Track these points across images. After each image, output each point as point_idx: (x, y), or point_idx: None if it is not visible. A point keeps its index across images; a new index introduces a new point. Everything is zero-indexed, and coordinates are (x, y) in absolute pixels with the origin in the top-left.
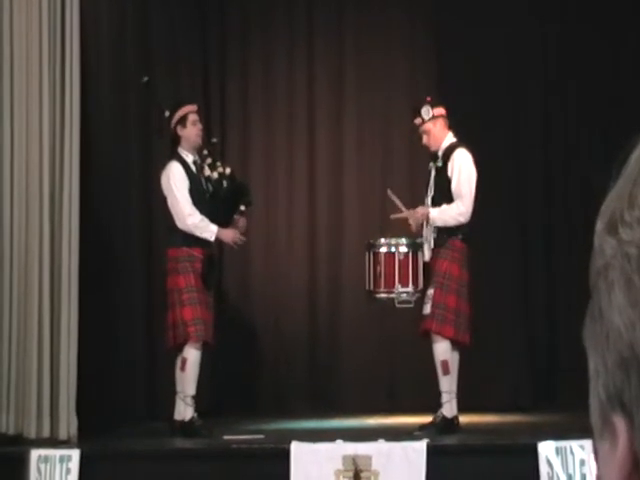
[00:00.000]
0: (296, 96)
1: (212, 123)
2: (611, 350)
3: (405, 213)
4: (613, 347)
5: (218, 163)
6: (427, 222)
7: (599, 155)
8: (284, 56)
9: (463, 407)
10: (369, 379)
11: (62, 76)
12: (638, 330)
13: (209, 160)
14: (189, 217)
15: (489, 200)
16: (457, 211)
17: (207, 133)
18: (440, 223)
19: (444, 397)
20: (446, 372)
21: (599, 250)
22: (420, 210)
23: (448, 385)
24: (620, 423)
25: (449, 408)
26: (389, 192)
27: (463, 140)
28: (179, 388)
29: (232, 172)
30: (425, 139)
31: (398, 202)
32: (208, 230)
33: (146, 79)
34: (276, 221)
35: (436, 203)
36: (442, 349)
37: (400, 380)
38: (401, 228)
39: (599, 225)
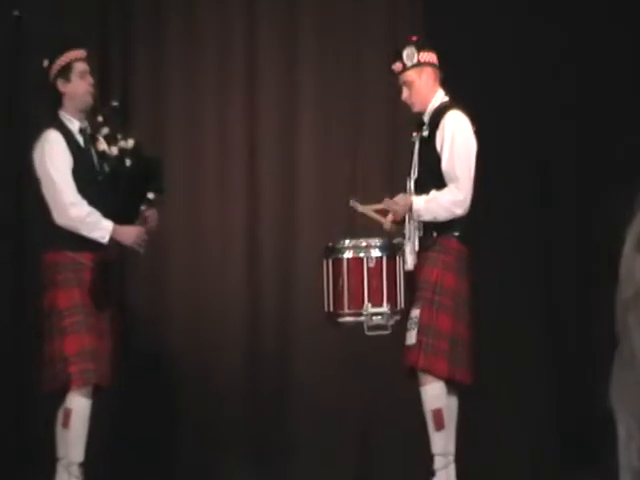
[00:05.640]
0: (231, 42)
1: (112, 76)
2: None
3: (383, 204)
4: None
5: (119, 135)
6: (409, 216)
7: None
8: None
9: (464, 475)
10: (331, 438)
11: None
12: None
13: (105, 130)
14: (72, 208)
15: (497, 182)
16: (451, 199)
17: (104, 91)
18: (428, 217)
19: (437, 462)
20: (440, 426)
21: (628, 276)
22: (401, 201)
23: (443, 444)
24: None
25: (444, 477)
26: (351, 203)
27: (459, 100)
28: (61, 453)
29: (137, 146)
30: (406, 93)
31: (367, 210)
32: (99, 227)
33: (17, 13)
34: (203, 215)
35: (422, 187)
36: (433, 393)
37: (376, 438)
38: (374, 227)
39: (627, 247)
